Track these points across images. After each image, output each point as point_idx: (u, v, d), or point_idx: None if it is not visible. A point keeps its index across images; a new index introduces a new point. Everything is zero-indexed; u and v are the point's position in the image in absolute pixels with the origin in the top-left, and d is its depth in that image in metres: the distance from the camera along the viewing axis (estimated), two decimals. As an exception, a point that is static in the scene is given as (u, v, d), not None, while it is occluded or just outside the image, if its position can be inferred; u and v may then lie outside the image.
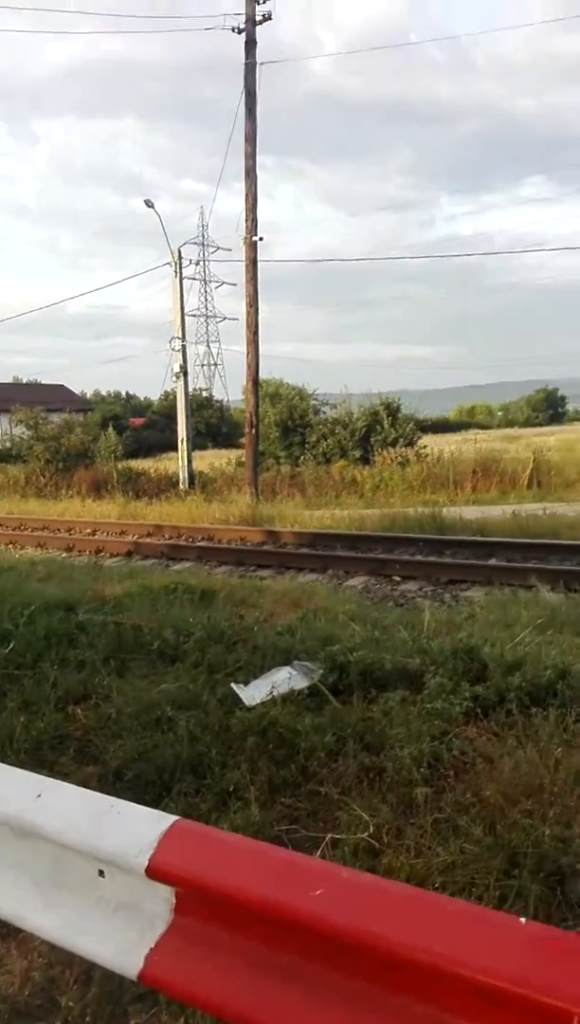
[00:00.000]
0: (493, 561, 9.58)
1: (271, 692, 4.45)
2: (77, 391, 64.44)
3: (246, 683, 4.74)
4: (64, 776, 4.13)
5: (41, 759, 4.32)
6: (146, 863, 1.86)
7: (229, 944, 1.82)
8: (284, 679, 4.61)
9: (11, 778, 2.22)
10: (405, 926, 1.51)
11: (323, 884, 1.64)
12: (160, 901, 1.94)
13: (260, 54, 17.29)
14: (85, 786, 3.96)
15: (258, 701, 4.41)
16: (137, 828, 1.94)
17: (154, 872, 1.85)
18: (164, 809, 3.73)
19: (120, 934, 1.97)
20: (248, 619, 6.07)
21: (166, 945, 1.91)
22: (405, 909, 1.55)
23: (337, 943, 1.62)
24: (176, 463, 22.79)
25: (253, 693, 4.52)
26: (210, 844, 1.88)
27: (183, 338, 21.44)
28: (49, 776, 4.04)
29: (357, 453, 24.35)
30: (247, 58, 17.13)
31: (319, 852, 3.20)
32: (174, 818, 1.95)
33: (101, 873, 2.04)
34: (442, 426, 49.48)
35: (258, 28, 17.26)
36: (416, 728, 3.79)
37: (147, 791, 3.89)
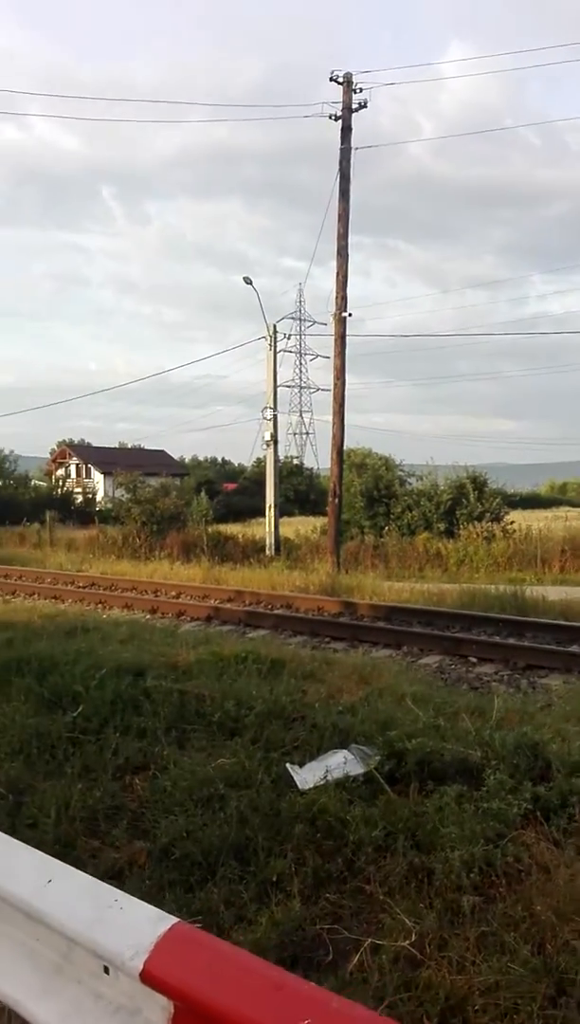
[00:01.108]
0: (575, 648, 9.10)
1: (325, 777, 4.32)
2: (176, 456, 66.63)
3: (301, 764, 4.62)
4: (115, 849, 4.11)
5: (95, 830, 4.31)
6: (140, 967, 1.79)
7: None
8: (339, 763, 4.47)
9: (27, 859, 2.21)
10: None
11: (312, 1013, 1.54)
12: (158, 1009, 1.86)
13: (359, 139, 18.01)
14: (133, 863, 3.96)
15: (311, 785, 4.28)
16: (136, 927, 1.88)
17: (148, 978, 1.78)
18: (207, 895, 3.65)
19: (117, 1039, 1.90)
20: (311, 695, 5.96)
21: (161, 1058, 1.82)
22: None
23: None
24: (264, 528, 23.06)
25: (307, 776, 4.40)
26: (206, 954, 1.79)
27: (275, 408, 21.95)
28: (101, 848, 4.06)
29: (442, 526, 23.94)
30: (343, 143, 17.83)
31: (358, 957, 3.03)
32: (174, 920, 1.88)
33: (106, 970, 1.99)
34: (532, 501, 48.17)
35: (355, 115, 18.00)
36: (470, 828, 3.58)
37: (193, 872, 3.81)
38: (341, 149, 17.81)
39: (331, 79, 18.01)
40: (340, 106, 17.97)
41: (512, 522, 23.33)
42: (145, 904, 1.96)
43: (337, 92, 18.05)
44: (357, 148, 17.93)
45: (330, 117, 17.96)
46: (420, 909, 3.22)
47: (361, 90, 18.05)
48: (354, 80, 18.01)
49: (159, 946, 1.80)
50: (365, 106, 17.89)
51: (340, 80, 17.98)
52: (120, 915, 1.92)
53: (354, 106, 18.01)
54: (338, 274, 17.73)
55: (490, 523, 22.17)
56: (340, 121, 17.92)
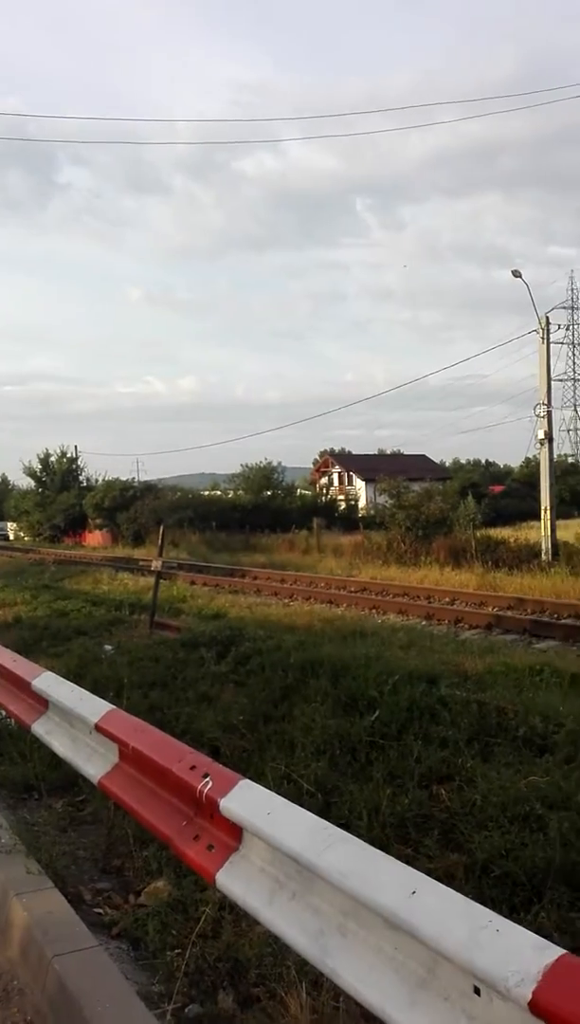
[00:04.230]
0: None
1: None
2: (437, 460, 66.14)
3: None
4: (428, 859, 4.07)
5: (406, 837, 4.32)
6: (528, 996, 1.70)
7: None
8: None
9: (385, 867, 2.23)
10: None
11: None
12: (544, 1043, 1.75)
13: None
14: (451, 876, 3.89)
15: None
16: (517, 952, 1.79)
17: (538, 1009, 1.69)
18: (535, 918, 3.47)
19: (497, 1066, 1.82)
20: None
21: None
22: None
23: None
24: (537, 532, 21.99)
25: None
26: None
27: (549, 404, 20.87)
28: (415, 856, 4.05)
29: None
30: (622, 115, 16.52)
31: None
32: (560, 951, 1.76)
33: (477, 991, 1.93)
34: None
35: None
36: None
37: (515, 893, 3.67)
38: (619, 122, 16.51)
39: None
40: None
41: None
42: (523, 929, 1.87)
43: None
44: None
45: (605, 90, 16.72)
46: None
47: None
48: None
49: (547, 976, 1.70)
50: None
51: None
52: (497, 937, 1.85)
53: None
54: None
55: None
56: (617, 92, 16.62)
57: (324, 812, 4.58)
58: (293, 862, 2.47)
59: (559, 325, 22.83)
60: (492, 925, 1.87)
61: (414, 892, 2.06)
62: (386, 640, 10.54)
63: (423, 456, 64.69)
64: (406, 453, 66.80)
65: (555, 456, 23.57)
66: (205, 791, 2.92)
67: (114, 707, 4.11)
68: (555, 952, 1.75)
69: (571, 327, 52.20)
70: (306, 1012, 2.93)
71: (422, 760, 5.01)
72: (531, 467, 40.08)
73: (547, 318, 20.68)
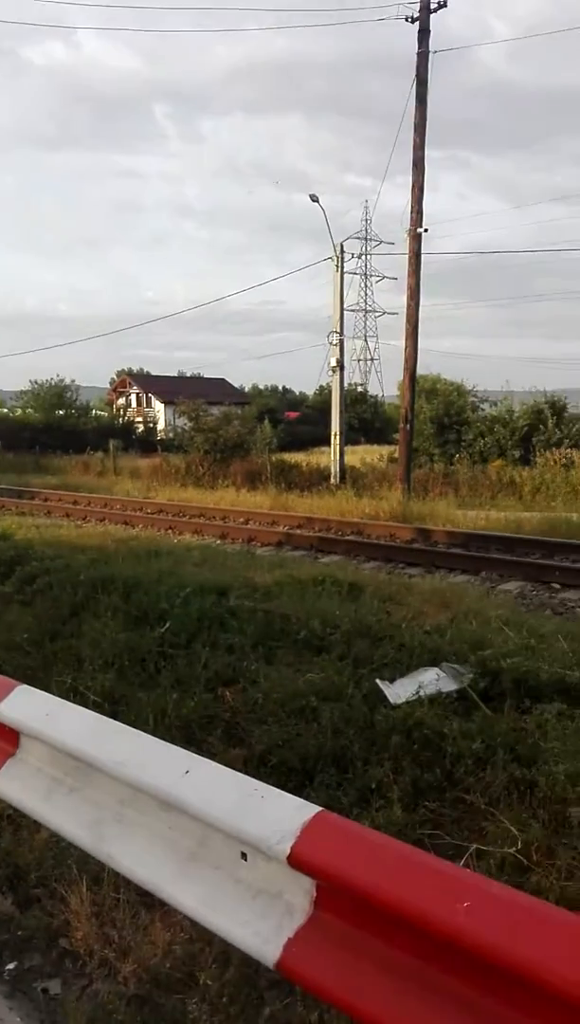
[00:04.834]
0: None
1: (417, 692, 4.35)
2: (236, 385, 66.37)
3: (391, 680, 4.66)
4: (212, 756, 4.23)
5: (191, 737, 4.45)
6: (288, 851, 1.84)
7: (368, 946, 1.77)
8: (431, 680, 4.49)
9: (161, 752, 2.28)
10: (563, 955, 1.40)
11: (471, 896, 1.56)
12: (301, 892, 1.92)
13: (431, 43, 16.98)
14: (231, 768, 4.09)
15: (403, 700, 4.32)
16: (280, 815, 1.93)
17: (296, 861, 1.83)
18: (307, 799, 3.76)
19: (259, 920, 1.97)
20: (395, 616, 5.97)
21: (304, 937, 1.89)
22: (564, 936, 1.43)
23: (484, 962, 1.53)
24: (328, 457, 22.95)
25: (398, 691, 4.44)
26: (353, 840, 1.83)
27: (341, 333, 21.51)
28: (199, 753, 4.21)
29: (516, 453, 23.38)
30: (420, 47, 16.83)
31: (463, 862, 3.08)
32: (317, 809, 1.92)
33: (244, 856, 2.05)
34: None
35: (432, 16, 16.95)
36: (574, 744, 3.57)
37: (290, 778, 3.91)
38: (418, 53, 16.82)
39: (408, -23, 16.91)
40: (417, 7, 16.93)
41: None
42: (286, 793, 2.01)
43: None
44: (435, 52, 16.91)
45: (406, 19, 16.94)
46: (524, 819, 3.25)
47: (438, -11, 16.94)
48: (432, -22, 16.88)
49: (306, 831, 1.84)
50: (444, 5, 16.77)
51: (417, -22, 16.86)
52: (262, 803, 1.97)
53: (432, 6, 16.92)
54: (414, 187, 16.96)
55: (569, 450, 21.52)
56: (417, 23, 16.90)
57: (112, 718, 4.63)
58: (71, 759, 2.47)
59: (353, 254, 23.44)
60: (257, 793, 2.00)
61: (187, 772, 2.14)
62: (181, 558, 10.60)
63: (223, 380, 64.61)
64: (206, 376, 66.37)
65: (346, 384, 24.47)
66: (-22, 699, 2.81)
67: None
68: (312, 810, 1.90)
69: (363, 258, 53.70)
70: (87, 905, 2.99)
71: (209, 666, 5.16)
72: (324, 395, 41.45)
73: (341, 246, 21.12)
